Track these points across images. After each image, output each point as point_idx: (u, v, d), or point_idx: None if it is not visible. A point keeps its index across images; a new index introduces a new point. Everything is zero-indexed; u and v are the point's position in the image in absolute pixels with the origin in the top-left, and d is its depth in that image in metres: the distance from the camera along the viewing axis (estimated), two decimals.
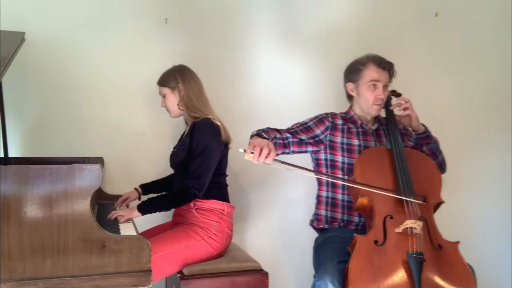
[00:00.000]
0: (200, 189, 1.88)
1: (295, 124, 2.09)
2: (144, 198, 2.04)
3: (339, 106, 2.21)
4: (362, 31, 2.60)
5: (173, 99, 2.04)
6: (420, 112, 2.53)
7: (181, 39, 2.38)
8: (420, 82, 2.66)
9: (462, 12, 2.74)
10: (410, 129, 2.10)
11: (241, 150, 1.68)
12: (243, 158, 2.39)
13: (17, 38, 1.85)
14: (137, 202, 2.07)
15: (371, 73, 2.00)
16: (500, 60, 2.80)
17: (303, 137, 2.03)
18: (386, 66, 2.01)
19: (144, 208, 1.87)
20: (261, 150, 1.65)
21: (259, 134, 1.85)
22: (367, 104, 2.04)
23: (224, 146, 2.01)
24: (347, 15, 2.60)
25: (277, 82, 2.53)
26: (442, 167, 2.13)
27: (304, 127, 2.06)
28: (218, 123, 1.98)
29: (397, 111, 2.04)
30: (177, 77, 2.02)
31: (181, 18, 2.39)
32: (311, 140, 2.04)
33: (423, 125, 2.07)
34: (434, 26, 2.71)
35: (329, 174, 2.01)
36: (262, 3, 2.48)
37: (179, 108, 2.04)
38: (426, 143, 2.06)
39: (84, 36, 2.25)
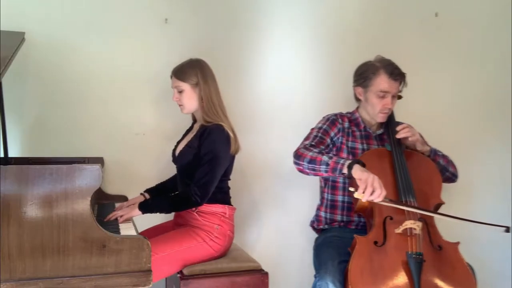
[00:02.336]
0: (204, 198, 1.87)
1: (314, 130, 2.05)
2: None
3: (344, 107, 2.21)
4: (362, 31, 2.59)
5: (192, 96, 1.95)
6: (420, 112, 2.55)
7: (181, 39, 2.38)
8: (420, 82, 2.65)
9: (462, 12, 2.74)
10: None
11: (352, 189, 1.71)
12: (244, 159, 2.43)
13: (17, 38, 1.85)
14: None
15: (381, 83, 1.97)
16: (500, 60, 2.79)
17: (328, 141, 2.02)
18: (398, 78, 1.98)
19: (146, 207, 1.87)
20: (373, 191, 1.67)
21: (358, 161, 1.77)
22: (374, 112, 2.03)
23: (231, 156, 1.98)
24: (346, 15, 2.59)
25: (280, 82, 2.52)
26: (451, 179, 2.12)
27: (323, 130, 2.04)
28: (230, 132, 1.93)
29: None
30: (198, 74, 1.94)
31: (181, 18, 2.38)
32: (331, 144, 2.04)
33: (429, 145, 2.04)
34: (434, 26, 2.71)
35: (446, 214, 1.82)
36: (264, 3, 2.48)
37: (198, 106, 1.96)
38: None
39: (84, 36, 2.25)
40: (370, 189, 1.66)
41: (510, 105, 2.80)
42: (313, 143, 1.96)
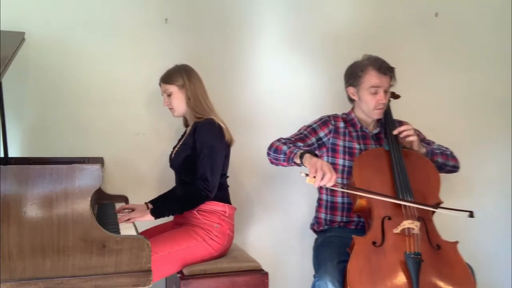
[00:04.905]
0: (212, 190, 1.89)
1: (303, 128, 2.09)
2: None
3: (340, 108, 2.21)
4: (362, 31, 2.59)
5: (180, 97, 2.03)
6: (420, 112, 2.54)
7: (181, 39, 2.38)
8: (420, 82, 2.66)
9: (462, 12, 2.74)
10: None
11: (303, 174, 1.70)
12: (243, 159, 2.43)
13: (17, 38, 1.85)
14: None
15: (371, 78, 1.99)
16: (500, 60, 2.79)
17: (313, 139, 2.04)
18: (387, 72, 1.99)
19: (158, 212, 1.89)
20: (323, 174, 1.66)
21: (311, 152, 1.79)
22: (369, 109, 2.03)
23: (227, 147, 2.02)
24: (346, 15, 2.60)
25: (278, 83, 2.52)
26: (452, 171, 2.11)
27: (311, 128, 2.07)
28: (221, 124, 1.99)
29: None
30: (183, 75, 2.02)
31: (181, 18, 2.39)
32: (317, 144, 2.05)
33: (425, 146, 2.04)
34: (434, 26, 2.71)
35: (392, 196, 1.83)
36: (263, 4, 2.48)
37: (187, 107, 2.03)
38: None
39: (84, 36, 2.25)
40: (320, 172, 1.66)
41: (510, 105, 2.80)
42: (291, 138, 2.02)
